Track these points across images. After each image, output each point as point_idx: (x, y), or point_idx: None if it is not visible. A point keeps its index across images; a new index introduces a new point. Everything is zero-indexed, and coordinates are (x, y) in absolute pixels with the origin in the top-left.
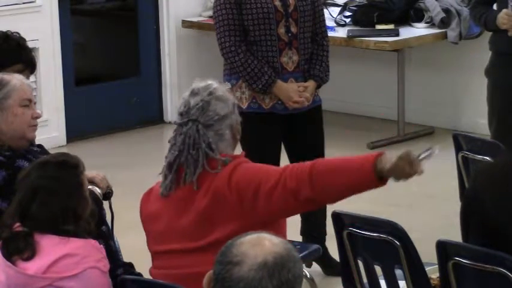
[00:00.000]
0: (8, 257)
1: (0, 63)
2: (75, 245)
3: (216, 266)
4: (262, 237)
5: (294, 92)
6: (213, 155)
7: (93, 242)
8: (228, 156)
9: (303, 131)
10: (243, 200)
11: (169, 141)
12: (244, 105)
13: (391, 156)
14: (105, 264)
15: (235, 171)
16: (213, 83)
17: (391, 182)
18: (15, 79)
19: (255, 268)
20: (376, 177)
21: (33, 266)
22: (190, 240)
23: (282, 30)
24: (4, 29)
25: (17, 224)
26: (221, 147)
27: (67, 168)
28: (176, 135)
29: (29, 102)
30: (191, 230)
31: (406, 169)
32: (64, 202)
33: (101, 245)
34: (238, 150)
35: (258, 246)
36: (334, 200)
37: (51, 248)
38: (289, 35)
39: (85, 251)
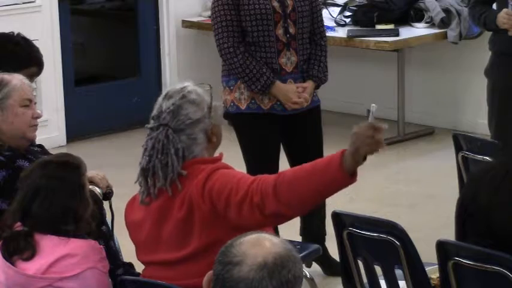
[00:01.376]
0: (8, 256)
1: (18, 65)
2: (75, 245)
3: (216, 266)
4: (262, 237)
5: (292, 93)
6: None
7: (93, 243)
8: (203, 159)
9: (302, 132)
10: (216, 209)
11: (142, 146)
12: (243, 106)
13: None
14: (104, 265)
15: (209, 179)
16: (189, 85)
17: (391, 182)
18: (15, 79)
19: (255, 268)
20: (346, 172)
21: (33, 266)
22: (172, 250)
23: (280, 31)
24: (3, 29)
25: (18, 224)
26: (196, 151)
27: (69, 169)
28: (147, 140)
29: (29, 102)
30: (172, 239)
31: (369, 134)
32: (65, 202)
33: (101, 246)
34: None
35: (258, 246)
36: (302, 210)
37: (51, 248)
38: (288, 36)
39: (85, 252)
